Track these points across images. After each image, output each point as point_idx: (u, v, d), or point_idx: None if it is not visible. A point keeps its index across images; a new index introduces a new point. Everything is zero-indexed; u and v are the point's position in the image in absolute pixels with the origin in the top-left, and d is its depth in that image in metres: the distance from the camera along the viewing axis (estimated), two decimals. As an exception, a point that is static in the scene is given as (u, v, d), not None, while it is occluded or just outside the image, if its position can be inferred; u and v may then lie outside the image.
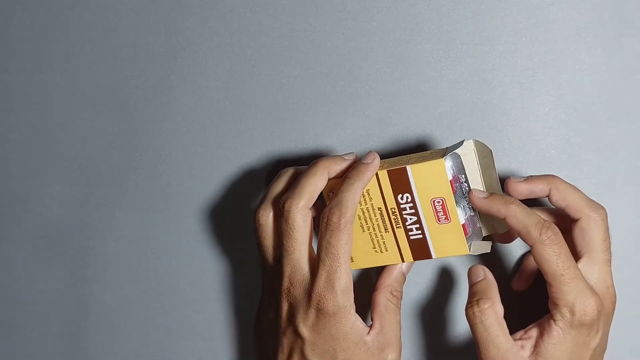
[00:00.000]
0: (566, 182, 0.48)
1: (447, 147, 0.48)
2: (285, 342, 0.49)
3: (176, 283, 0.58)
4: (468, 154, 0.47)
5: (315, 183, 0.48)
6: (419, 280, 0.56)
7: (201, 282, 0.58)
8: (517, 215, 0.46)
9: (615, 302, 0.48)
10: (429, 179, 0.46)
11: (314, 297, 0.46)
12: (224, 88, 0.56)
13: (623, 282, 0.54)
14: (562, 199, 0.47)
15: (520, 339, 0.47)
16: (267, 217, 0.49)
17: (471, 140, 0.46)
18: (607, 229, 0.48)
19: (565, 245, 0.46)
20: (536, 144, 0.54)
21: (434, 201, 0.47)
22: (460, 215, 0.47)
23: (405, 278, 0.51)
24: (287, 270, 0.48)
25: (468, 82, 0.54)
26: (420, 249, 0.49)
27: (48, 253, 0.59)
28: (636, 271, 0.54)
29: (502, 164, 0.54)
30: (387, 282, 0.50)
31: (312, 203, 0.48)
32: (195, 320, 0.58)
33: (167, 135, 0.57)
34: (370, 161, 0.48)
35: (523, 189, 0.47)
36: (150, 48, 0.56)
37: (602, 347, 0.48)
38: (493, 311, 0.46)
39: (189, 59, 0.56)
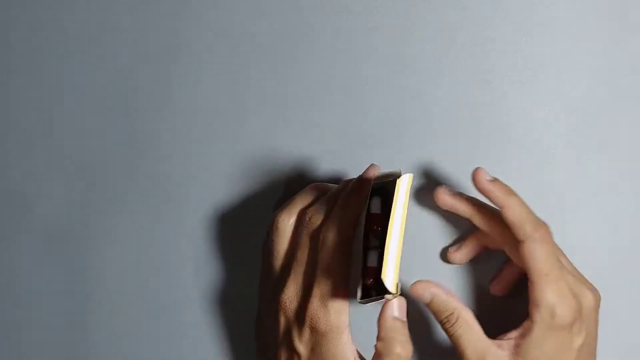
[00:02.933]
0: (522, 202, 0.47)
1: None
2: (283, 354, 0.49)
3: (176, 283, 0.58)
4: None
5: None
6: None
7: (201, 282, 0.58)
8: (515, 207, 0.46)
9: (593, 299, 0.48)
10: None
11: (307, 315, 0.46)
12: (224, 88, 0.56)
13: (623, 282, 0.54)
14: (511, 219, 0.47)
15: (498, 339, 0.48)
16: (286, 224, 0.49)
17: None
18: (550, 244, 0.47)
19: (554, 247, 0.46)
20: (536, 144, 0.54)
21: None
22: None
23: (402, 322, 0.46)
24: (291, 283, 0.48)
25: (468, 82, 0.54)
26: None
27: (48, 253, 0.59)
28: (637, 271, 0.54)
29: (502, 164, 0.54)
30: (380, 335, 0.46)
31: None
32: (196, 320, 0.58)
33: (167, 136, 0.57)
34: (365, 177, 0.48)
35: (485, 187, 0.47)
36: (150, 48, 0.56)
37: (589, 347, 0.48)
38: (460, 321, 0.47)
39: (189, 59, 0.56)
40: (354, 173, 0.55)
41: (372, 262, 0.47)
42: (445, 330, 0.48)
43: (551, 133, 0.54)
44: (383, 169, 0.55)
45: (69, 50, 0.57)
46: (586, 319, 0.47)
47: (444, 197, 0.50)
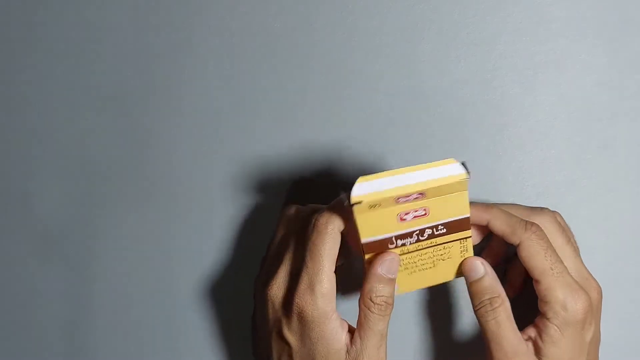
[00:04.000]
0: (503, 210, 0.47)
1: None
2: (274, 346, 0.49)
3: (177, 283, 0.58)
4: None
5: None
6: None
7: (202, 282, 0.58)
8: (500, 216, 0.47)
9: (600, 291, 0.48)
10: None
11: (295, 302, 0.46)
12: (224, 87, 0.56)
13: (623, 282, 0.54)
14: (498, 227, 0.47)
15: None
16: (292, 214, 0.50)
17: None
18: (545, 239, 0.47)
19: (549, 242, 0.46)
20: (536, 143, 0.54)
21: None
22: None
23: (389, 279, 0.46)
24: (280, 271, 0.48)
25: (468, 82, 0.54)
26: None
27: (48, 253, 0.59)
28: (637, 271, 0.54)
29: (502, 164, 0.54)
30: (367, 288, 0.46)
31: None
32: (196, 320, 0.58)
33: (167, 135, 0.57)
34: None
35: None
36: (151, 47, 0.56)
37: (597, 340, 0.48)
38: (504, 307, 0.46)
39: (190, 58, 0.56)
40: (353, 173, 0.55)
41: None
42: (483, 314, 0.46)
43: (551, 133, 0.54)
44: (381, 168, 0.55)
45: (69, 49, 0.57)
46: (595, 311, 0.47)
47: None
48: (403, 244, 0.46)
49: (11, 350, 0.60)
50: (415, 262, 0.47)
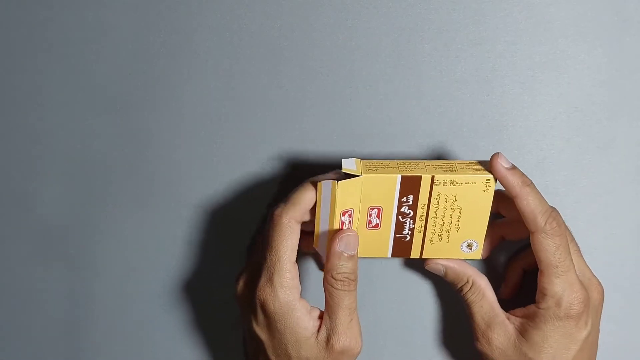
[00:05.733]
0: (536, 193, 0.47)
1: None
2: (250, 344, 0.49)
3: (176, 283, 0.58)
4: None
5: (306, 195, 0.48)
6: (420, 279, 0.56)
7: (201, 282, 0.58)
8: (529, 198, 0.46)
9: (602, 292, 0.49)
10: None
11: (257, 295, 0.46)
12: (223, 88, 0.56)
13: (623, 282, 0.54)
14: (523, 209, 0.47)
15: (510, 312, 0.49)
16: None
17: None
18: (560, 235, 0.47)
19: (565, 239, 0.46)
20: (536, 143, 0.54)
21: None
22: None
23: (349, 255, 0.46)
24: (245, 271, 0.49)
25: (468, 82, 0.54)
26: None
27: (48, 253, 0.59)
28: (637, 271, 0.54)
29: (502, 164, 0.54)
30: (328, 266, 0.47)
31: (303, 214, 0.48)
32: (196, 320, 0.58)
33: (167, 135, 0.57)
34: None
35: (501, 174, 0.46)
36: (150, 48, 0.56)
37: (593, 339, 0.48)
38: (475, 287, 0.49)
39: (189, 58, 0.56)
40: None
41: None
42: (461, 298, 0.50)
43: (551, 133, 0.54)
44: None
45: (68, 49, 0.57)
46: (593, 311, 0.47)
47: (499, 167, 0.46)
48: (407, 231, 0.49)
49: (11, 350, 0.60)
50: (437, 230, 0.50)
